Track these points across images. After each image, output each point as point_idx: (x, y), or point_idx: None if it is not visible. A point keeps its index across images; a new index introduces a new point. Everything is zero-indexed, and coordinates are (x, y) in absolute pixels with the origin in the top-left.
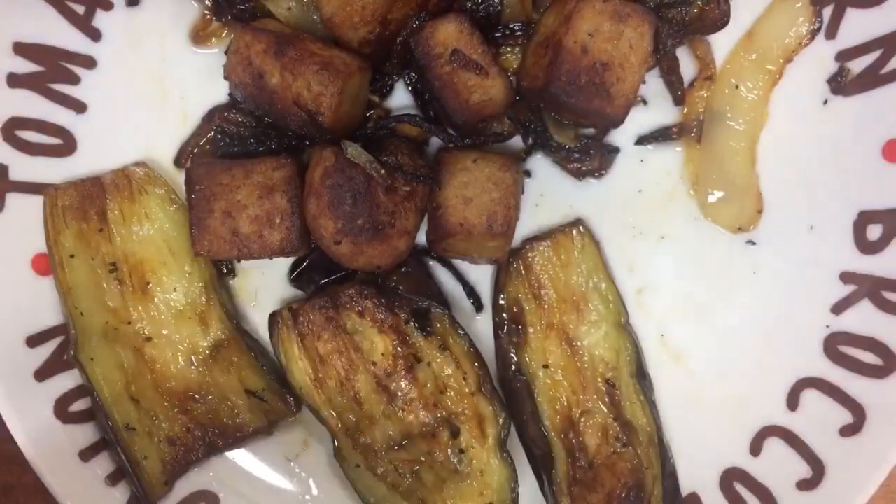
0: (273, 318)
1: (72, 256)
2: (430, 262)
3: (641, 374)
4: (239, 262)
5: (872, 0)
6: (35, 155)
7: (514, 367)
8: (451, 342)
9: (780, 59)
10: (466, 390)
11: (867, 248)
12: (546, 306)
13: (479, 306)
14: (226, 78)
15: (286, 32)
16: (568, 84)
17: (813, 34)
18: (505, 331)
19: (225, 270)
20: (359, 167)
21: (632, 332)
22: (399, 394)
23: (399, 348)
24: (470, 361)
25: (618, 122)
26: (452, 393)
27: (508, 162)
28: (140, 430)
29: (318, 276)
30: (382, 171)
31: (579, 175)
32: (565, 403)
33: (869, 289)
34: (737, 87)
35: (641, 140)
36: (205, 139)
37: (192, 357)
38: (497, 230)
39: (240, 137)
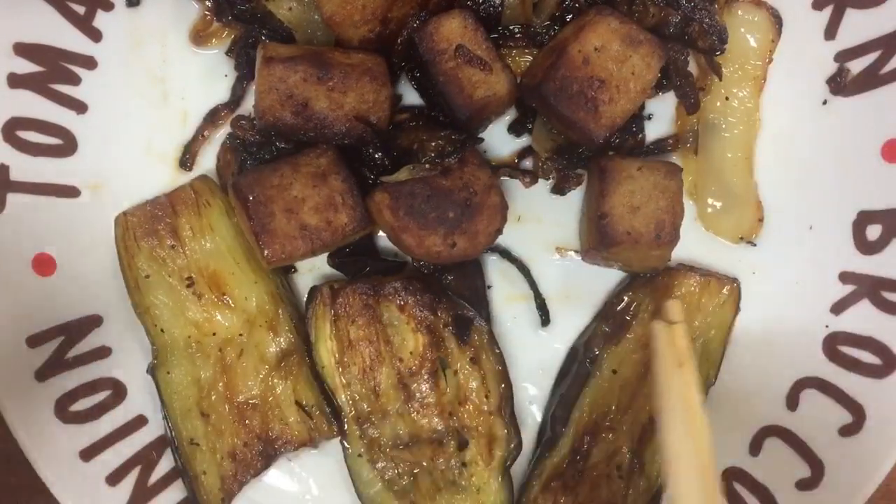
0: (312, 292)
1: (147, 277)
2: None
3: None
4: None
5: (872, 0)
6: (36, 155)
7: (590, 353)
8: (484, 358)
9: (758, 63)
10: (485, 408)
11: (867, 248)
12: None
13: (546, 320)
14: (260, 118)
15: (307, 53)
16: (559, 89)
17: (778, 29)
18: (610, 323)
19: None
20: (409, 182)
21: (705, 397)
22: (418, 395)
23: (429, 351)
24: (497, 382)
25: (596, 141)
26: (471, 407)
27: (673, 169)
28: (204, 445)
29: (365, 261)
30: (427, 167)
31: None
32: (603, 411)
33: (868, 289)
34: (727, 97)
35: (638, 152)
36: (228, 155)
37: (262, 366)
38: (664, 239)
39: (258, 144)
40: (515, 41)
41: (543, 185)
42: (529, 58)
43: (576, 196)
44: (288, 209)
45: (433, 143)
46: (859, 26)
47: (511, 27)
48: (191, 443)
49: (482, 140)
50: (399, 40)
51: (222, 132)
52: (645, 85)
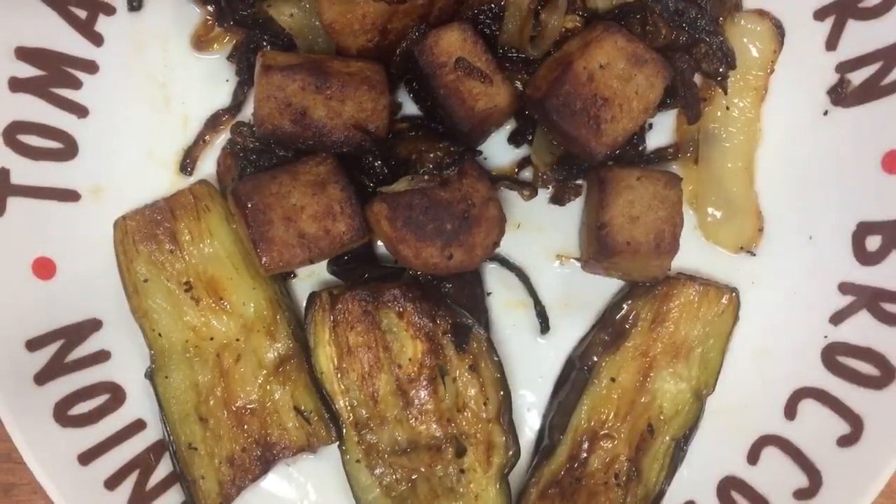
0: (312, 298)
1: (145, 281)
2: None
3: (682, 444)
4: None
5: (873, 12)
6: (36, 159)
7: (589, 361)
8: (483, 366)
9: (760, 73)
10: (484, 416)
11: (866, 258)
12: (654, 337)
13: (545, 328)
14: (259, 126)
15: (305, 61)
16: (562, 105)
17: (780, 40)
18: (609, 332)
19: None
20: (407, 193)
21: (703, 406)
22: (416, 402)
23: (427, 358)
24: (495, 389)
25: (596, 158)
26: (469, 414)
27: (673, 179)
28: (203, 450)
29: (364, 268)
30: (426, 178)
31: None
32: (601, 418)
33: (867, 300)
34: (728, 107)
35: (638, 161)
36: (228, 160)
37: (260, 371)
38: (664, 249)
39: (258, 151)
40: (512, 63)
41: (543, 194)
42: (525, 76)
43: (576, 203)
44: (286, 217)
45: (432, 155)
46: (860, 38)
47: (507, 50)
48: (189, 447)
49: (480, 153)
50: (398, 51)
51: (223, 137)
52: (648, 105)
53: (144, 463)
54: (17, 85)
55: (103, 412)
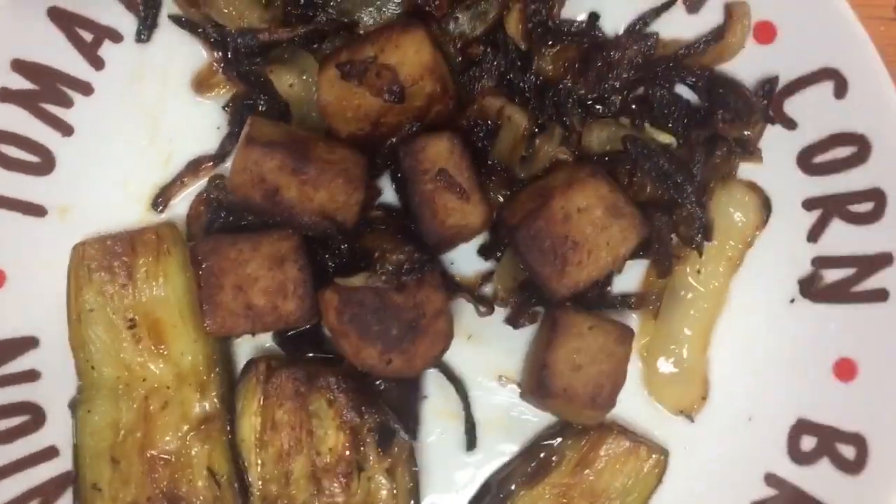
0: (249, 365)
1: (91, 310)
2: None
3: None
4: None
5: (860, 218)
6: (10, 169)
7: (506, 489)
8: (399, 471)
9: (739, 246)
10: None
11: (798, 457)
12: (576, 480)
13: (471, 445)
14: (231, 191)
15: (289, 140)
16: (532, 239)
17: (765, 217)
18: (532, 464)
19: None
20: (361, 289)
21: None
22: (327, 491)
23: (348, 451)
24: (406, 498)
25: (555, 297)
26: None
27: (624, 335)
28: (107, 492)
29: (307, 347)
30: (384, 278)
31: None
32: None
33: (790, 498)
34: (699, 270)
35: (598, 304)
36: (201, 207)
37: (182, 424)
38: (600, 403)
39: (230, 208)
40: (497, 175)
41: (500, 311)
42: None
43: (530, 328)
44: (238, 285)
45: (395, 257)
46: (842, 238)
47: (496, 163)
48: (93, 487)
49: (441, 266)
50: (387, 143)
51: (202, 182)
52: (617, 257)
53: (47, 493)
54: (6, 95)
55: (21, 432)
